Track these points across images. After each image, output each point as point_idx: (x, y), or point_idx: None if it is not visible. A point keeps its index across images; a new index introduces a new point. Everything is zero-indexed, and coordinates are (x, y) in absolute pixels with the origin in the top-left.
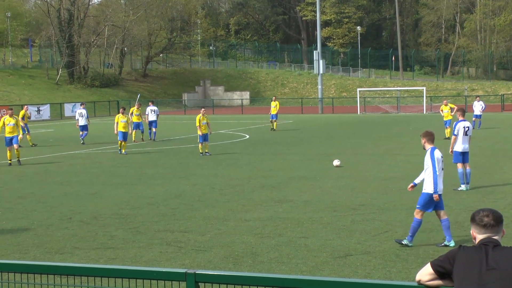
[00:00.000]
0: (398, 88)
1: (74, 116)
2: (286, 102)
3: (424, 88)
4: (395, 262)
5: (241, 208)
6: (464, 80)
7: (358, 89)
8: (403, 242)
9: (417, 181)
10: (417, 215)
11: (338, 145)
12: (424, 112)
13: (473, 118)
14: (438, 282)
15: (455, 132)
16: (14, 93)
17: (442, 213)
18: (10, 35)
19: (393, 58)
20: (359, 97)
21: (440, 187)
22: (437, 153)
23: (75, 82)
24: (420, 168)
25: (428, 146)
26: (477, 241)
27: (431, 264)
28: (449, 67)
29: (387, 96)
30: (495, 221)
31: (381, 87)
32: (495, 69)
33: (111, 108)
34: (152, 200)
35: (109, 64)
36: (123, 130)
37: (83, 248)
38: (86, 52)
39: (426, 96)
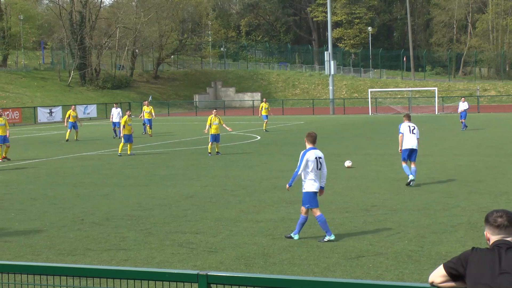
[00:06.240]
0: (410, 89)
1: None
2: (297, 103)
3: (436, 88)
4: (408, 263)
5: (252, 209)
6: (476, 80)
7: (369, 90)
8: (325, 240)
9: (322, 184)
10: (316, 213)
11: (350, 146)
12: (436, 113)
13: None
14: (451, 284)
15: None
16: (27, 95)
17: (305, 210)
18: (22, 37)
19: (405, 58)
20: (370, 98)
21: (317, 185)
22: (309, 154)
23: (87, 84)
24: (432, 168)
25: (307, 146)
26: (490, 242)
27: (443, 266)
28: (461, 67)
29: (399, 96)
30: (509, 222)
31: (393, 88)
32: (507, 69)
33: (123, 110)
34: (163, 201)
35: (120, 66)
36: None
37: (95, 250)
38: (97, 54)
39: (437, 97)
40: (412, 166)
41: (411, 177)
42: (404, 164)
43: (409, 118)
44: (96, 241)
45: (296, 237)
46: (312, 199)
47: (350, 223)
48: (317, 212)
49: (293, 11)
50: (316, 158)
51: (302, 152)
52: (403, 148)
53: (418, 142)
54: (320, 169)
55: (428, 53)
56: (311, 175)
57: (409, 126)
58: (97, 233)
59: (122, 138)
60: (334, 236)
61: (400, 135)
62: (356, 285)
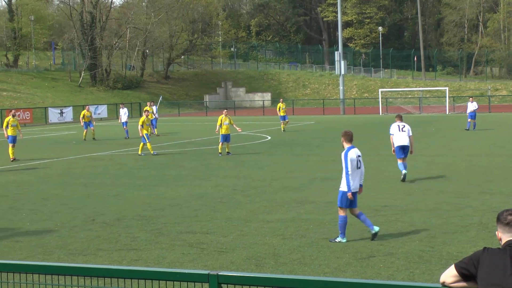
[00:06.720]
0: (420, 89)
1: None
2: (307, 103)
3: (447, 88)
4: (419, 263)
5: (263, 209)
6: (487, 80)
7: (380, 90)
8: (336, 240)
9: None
10: (341, 213)
11: (360, 146)
12: (447, 113)
13: (469, 119)
14: (462, 284)
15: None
16: (38, 96)
17: (355, 210)
18: (33, 38)
19: (415, 58)
20: (381, 98)
21: (357, 185)
22: (351, 154)
23: (97, 84)
24: (442, 168)
25: (346, 146)
26: (502, 242)
27: (455, 266)
28: (472, 67)
29: (409, 96)
30: None
31: (403, 88)
32: None
33: (133, 110)
34: (174, 201)
35: (131, 66)
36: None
37: (106, 250)
38: (108, 54)
39: (448, 97)
40: (403, 162)
41: (404, 171)
42: (399, 162)
43: (400, 118)
44: (107, 241)
45: (376, 228)
46: (345, 199)
47: (360, 223)
48: (343, 213)
49: (304, 11)
50: (356, 156)
51: (343, 153)
52: (396, 146)
53: (411, 139)
54: (359, 168)
55: (439, 52)
56: (353, 175)
57: (398, 126)
58: (108, 233)
59: (146, 138)
60: (346, 240)
61: (391, 136)
62: (367, 285)
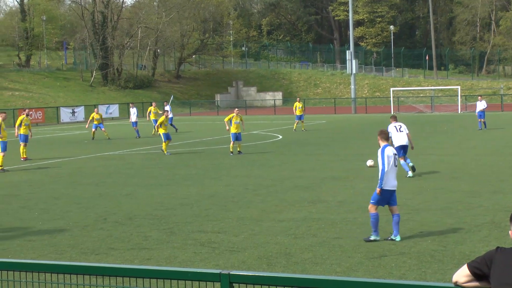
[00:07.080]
0: (432, 88)
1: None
2: (319, 103)
3: (459, 87)
4: (431, 263)
5: (274, 208)
6: (500, 78)
7: (391, 89)
8: (371, 239)
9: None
10: (371, 210)
11: (371, 145)
12: (459, 112)
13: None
14: (475, 284)
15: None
16: (50, 95)
17: (394, 208)
18: (45, 38)
19: (427, 57)
20: (393, 97)
21: (394, 182)
22: (388, 151)
23: (109, 84)
24: (454, 168)
25: (382, 144)
26: None
27: (467, 265)
28: (484, 66)
29: (421, 95)
30: None
31: (415, 87)
32: None
33: (144, 110)
34: (185, 201)
35: (142, 65)
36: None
37: (118, 249)
38: (119, 54)
39: (460, 95)
40: (405, 158)
41: (410, 173)
42: (401, 161)
43: (395, 119)
44: (119, 240)
45: (397, 238)
46: (377, 196)
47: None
48: (373, 210)
49: (315, 10)
50: (393, 154)
51: (380, 150)
52: (396, 146)
53: (409, 136)
54: (396, 166)
55: (451, 51)
56: (389, 172)
57: (395, 126)
58: (120, 232)
59: (163, 137)
60: (379, 238)
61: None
62: (379, 285)
